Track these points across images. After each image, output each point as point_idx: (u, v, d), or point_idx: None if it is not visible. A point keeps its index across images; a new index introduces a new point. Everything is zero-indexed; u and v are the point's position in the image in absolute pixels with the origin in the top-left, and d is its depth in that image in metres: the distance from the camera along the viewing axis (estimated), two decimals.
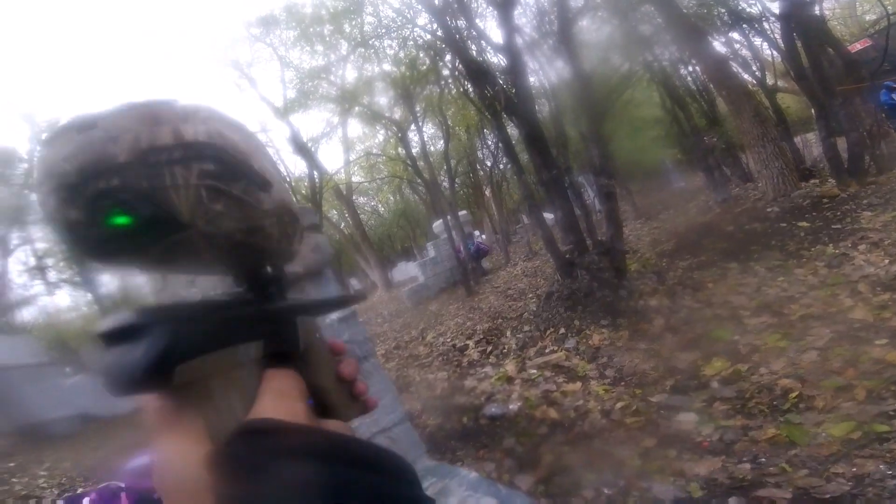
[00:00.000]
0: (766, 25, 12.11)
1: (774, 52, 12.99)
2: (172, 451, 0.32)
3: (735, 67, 12.96)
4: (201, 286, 2.47)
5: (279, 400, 0.37)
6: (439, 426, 4.62)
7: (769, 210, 7.71)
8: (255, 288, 0.42)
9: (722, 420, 3.12)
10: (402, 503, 0.35)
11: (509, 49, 7.46)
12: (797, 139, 14.08)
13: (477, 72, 8.05)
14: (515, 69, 7.46)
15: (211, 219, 0.33)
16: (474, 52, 9.25)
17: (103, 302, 15.25)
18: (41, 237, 15.51)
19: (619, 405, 3.86)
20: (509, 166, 13.54)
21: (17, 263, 15.32)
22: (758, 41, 13.99)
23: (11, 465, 6.16)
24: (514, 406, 4.57)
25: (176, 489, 0.31)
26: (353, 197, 22.62)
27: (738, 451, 2.76)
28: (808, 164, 10.78)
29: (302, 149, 16.65)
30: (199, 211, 0.33)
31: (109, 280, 17.42)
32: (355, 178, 22.73)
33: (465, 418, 4.62)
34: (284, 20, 13.70)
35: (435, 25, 9.59)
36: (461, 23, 8.85)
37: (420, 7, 10.01)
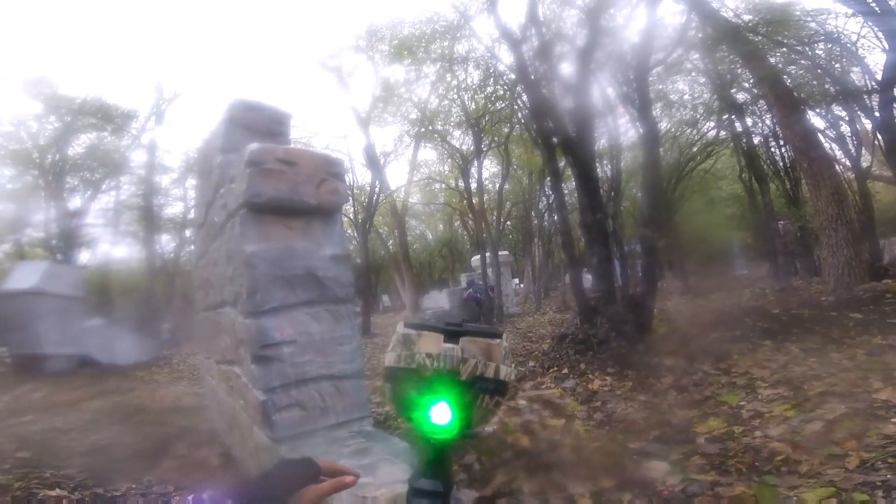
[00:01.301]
0: (870, 102, 10.83)
1: (880, 137, 11.83)
2: None
3: (827, 143, 11.92)
4: None
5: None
6: (411, 430, 4.40)
7: (823, 299, 7.08)
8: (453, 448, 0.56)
9: (693, 473, 2.78)
10: None
11: (580, 90, 7.44)
12: (884, 241, 12.90)
13: (541, 105, 8.03)
14: (582, 110, 7.39)
15: (477, 430, 0.54)
16: (544, 89, 9.32)
17: (153, 263, 16.10)
18: (128, 189, 16.99)
19: (593, 445, 3.54)
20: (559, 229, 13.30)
21: (100, 206, 16.48)
22: (865, 121, 12.49)
23: None
24: (490, 428, 4.30)
25: None
26: (406, 218, 22.93)
27: None
28: (884, 262, 9.82)
29: (372, 160, 17.21)
30: (477, 426, 0.49)
31: (167, 246, 18.50)
32: (412, 200, 23.11)
33: None
34: (387, 34, 14.32)
35: (514, 59, 9.73)
36: (538, 59, 8.96)
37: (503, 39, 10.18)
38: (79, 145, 15.21)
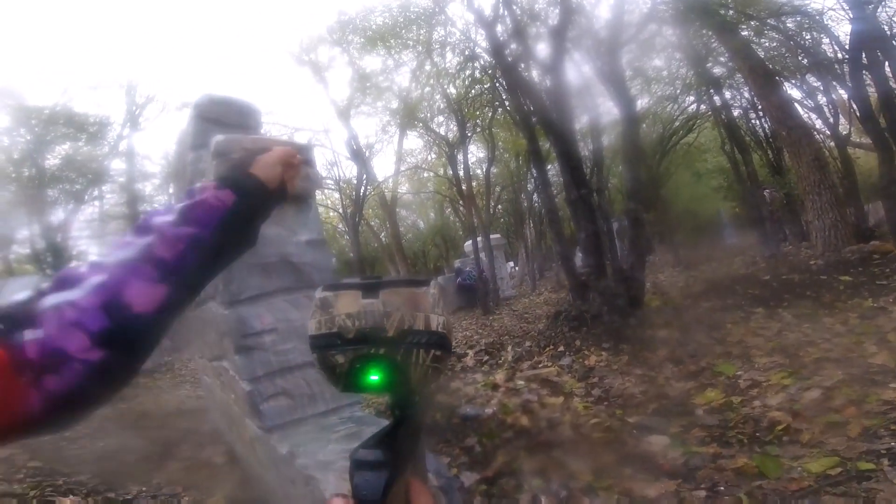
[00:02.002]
0: (842, 71, 11.09)
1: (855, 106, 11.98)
2: None
3: (805, 112, 12.15)
4: None
5: None
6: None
7: (812, 263, 7.12)
8: (404, 415, 0.47)
9: (694, 446, 2.78)
10: None
11: (555, 69, 7.36)
12: (868, 206, 13.05)
13: (518, 85, 7.97)
14: (559, 88, 7.34)
15: (426, 392, 0.44)
16: (522, 70, 9.26)
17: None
18: (111, 199, 16.68)
19: (592, 421, 3.53)
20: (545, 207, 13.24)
21: (84, 217, 16.21)
22: (842, 91, 12.81)
23: None
24: (489, 410, 4.30)
25: None
26: (396, 209, 22.75)
27: (699, 478, 2.42)
28: (870, 224, 9.92)
29: (356, 153, 16.98)
30: (422, 386, 0.42)
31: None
32: (401, 189, 22.97)
33: (439, 415, 4.39)
34: (359, 24, 14.02)
35: (489, 41, 9.63)
36: (513, 40, 8.90)
37: (478, 23, 10.06)
38: (54, 157, 14.87)
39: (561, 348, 5.57)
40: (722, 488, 2.20)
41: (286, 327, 2.63)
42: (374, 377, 0.41)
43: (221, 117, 2.82)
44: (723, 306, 6.23)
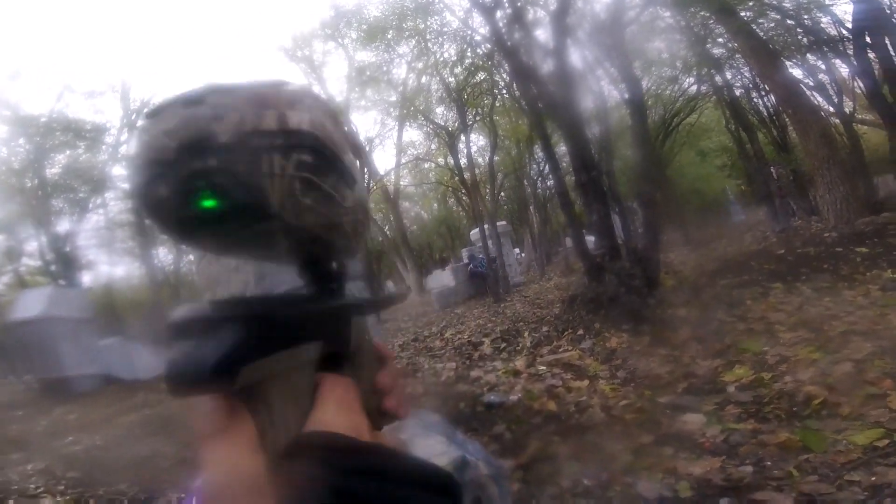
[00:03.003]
0: (846, 49, 11.17)
1: (860, 84, 12.02)
2: (224, 458, 0.30)
3: (810, 92, 12.19)
4: (269, 278, 2.49)
5: (340, 411, 0.35)
6: (435, 408, 4.41)
7: (826, 235, 7.10)
8: (320, 284, 0.40)
9: (731, 423, 2.78)
10: None
11: (558, 52, 7.32)
12: (877, 180, 13.06)
13: (522, 70, 7.93)
14: (562, 71, 7.29)
15: (299, 212, 0.32)
16: (525, 56, 9.24)
17: (155, 277, 15.97)
18: (116, 206, 16.61)
19: (622, 402, 3.55)
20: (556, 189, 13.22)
21: (90, 225, 16.24)
22: (843, 68, 12.91)
23: (19, 413, 6.35)
24: (514, 397, 4.32)
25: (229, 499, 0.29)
26: (399, 201, 22.74)
27: (741, 454, 2.43)
28: (880, 198, 9.89)
29: (357, 148, 16.90)
30: (289, 203, 0.31)
31: (165, 259, 18.37)
32: (404, 181, 22.94)
33: (463, 404, 4.41)
34: (354, 18, 13.93)
35: (489, 28, 9.59)
36: (514, 26, 8.87)
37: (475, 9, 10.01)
38: (55, 166, 14.91)
39: (580, 332, 5.57)
40: (769, 463, 2.21)
41: None
42: (208, 202, 0.29)
43: None
44: (740, 283, 6.22)
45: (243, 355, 0.28)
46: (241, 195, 0.29)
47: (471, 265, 14.24)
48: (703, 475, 2.31)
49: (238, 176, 0.29)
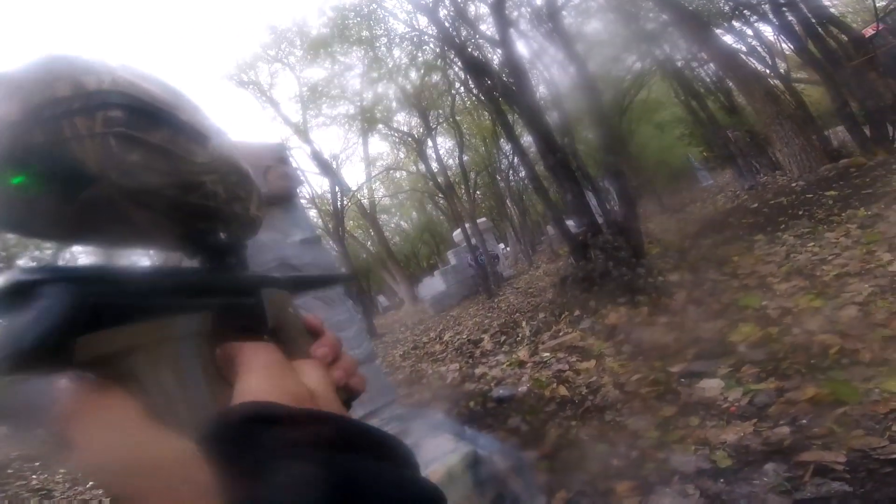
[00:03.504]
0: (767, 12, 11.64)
1: (787, 44, 12.47)
2: (102, 436, 0.26)
3: (745, 57, 12.62)
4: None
5: (268, 378, 0.32)
6: (446, 412, 4.33)
7: (794, 185, 7.25)
8: (206, 257, 0.37)
9: (752, 384, 2.75)
10: (407, 489, 0.30)
11: (504, 42, 7.32)
12: (827, 132, 13.59)
13: (475, 65, 7.94)
14: (511, 61, 7.30)
15: (126, 170, 0.29)
16: (474, 51, 9.30)
17: None
18: None
19: (634, 377, 3.51)
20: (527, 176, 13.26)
21: None
22: (768, 32, 13.46)
23: (36, 463, 6.12)
24: (523, 388, 4.26)
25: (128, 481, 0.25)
26: (377, 215, 22.51)
27: (772, 415, 2.38)
28: (835, 146, 10.24)
29: (324, 166, 16.65)
30: (109, 162, 0.28)
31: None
32: (378, 194, 22.72)
33: (473, 403, 4.34)
34: (296, 36, 13.65)
35: (435, 28, 9.57)
36: (459, 23, 8.92)
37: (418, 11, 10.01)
38: None
39: (577, 312, 5.54)
40: (804, 422, 2.18)
41: None
42: (16, 179, 0.27)
43: None
44: (723, 240, 6.30)
45: (76, 324, 0.24)
46: (49, 163, 0.27)
47: (472, 260, 14.24)
48: (738, 442, 2.26)
49: (36, 146, 0.27)
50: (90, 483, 4.87)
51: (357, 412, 2.66)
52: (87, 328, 0.25)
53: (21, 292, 0.24)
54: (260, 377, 0.32)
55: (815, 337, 2.88)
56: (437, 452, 2.25)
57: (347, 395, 0.43)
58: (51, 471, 5.71)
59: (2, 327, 0.24)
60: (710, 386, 2.94)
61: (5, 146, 0.26)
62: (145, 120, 0.30)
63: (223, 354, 0.34)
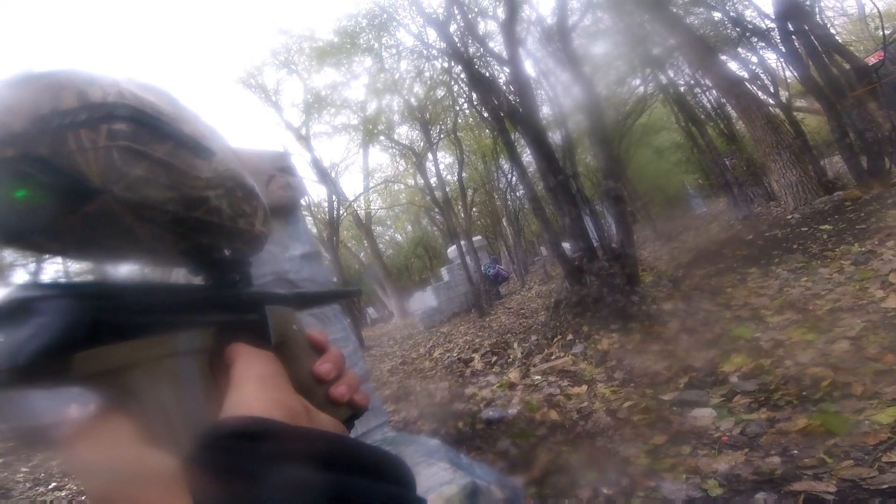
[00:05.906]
0: (773, 39, 11.88)
1: (790, 72, 12.71)
2: (99, 452, 0.26)
3: (748, 85, 12.82)
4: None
5: (264, 390, 0.32)
6: (433, 431, 4.28)
7: (790, 217, 7.32)
8: (209, 273, 0.37)
9: (743, 414, 2.74)
10: None
11: (512, 60, 7.44)
12: (823, 161, 13.78)
13: (481, 82, 8.03)
14: (518, 79, 7.41)
15: (130, 184, 0.29)
16: (481, 68, 9.40)
17: None
18: None
19: (626, 404, 3.49)
20: (525, 195, 13.40)
21: None
22: (771, 58, 13.72)
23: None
24: (513, 410, 4.22)
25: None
26: (372, 227, 22.51)
27: (764, 445, 2.38)
28: (831, 177, 10.34)
29: (323, 174, 16.71)
30: (112, 175, 0.28)
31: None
32: (374, 205, 22.75)
33: (461, 423, 4.28)
34: (306, 44, 13.82)
35: (444, 43, 9.69)
36: (468, 39, 9.05)
37: (428, 25, 10.15)
38: None
39: (570, 336, 5.53)
40: (795, 452, 2.17)
41: None
42: (19, 192, 0.27)
43: None
44: (717, 271, 6.33)
45: (73, 339, 0.24)
46: (53, 176, 0.27)
47: (483, 272, 14.21)
48: (729, 471, 2.25)
49: (41, 158, 0.27)
50: (52, 484, 4.76)
51: None
52: (85, 344, 0.25)
53: (20, 308, 0.25)
54: (254, 388, 0.32)
55: (806, 369, 2.89)
56: (434, 482, 2.20)
57: (351, 411, 0.43)
58: (11, 469, 5.58)
59: (0, 342, 0.24)
60: (703, 415, 2.93)
61: (7, 157, 0.26)
62: (150, 133, 0.30)
63: (222, 357, 0.34)
